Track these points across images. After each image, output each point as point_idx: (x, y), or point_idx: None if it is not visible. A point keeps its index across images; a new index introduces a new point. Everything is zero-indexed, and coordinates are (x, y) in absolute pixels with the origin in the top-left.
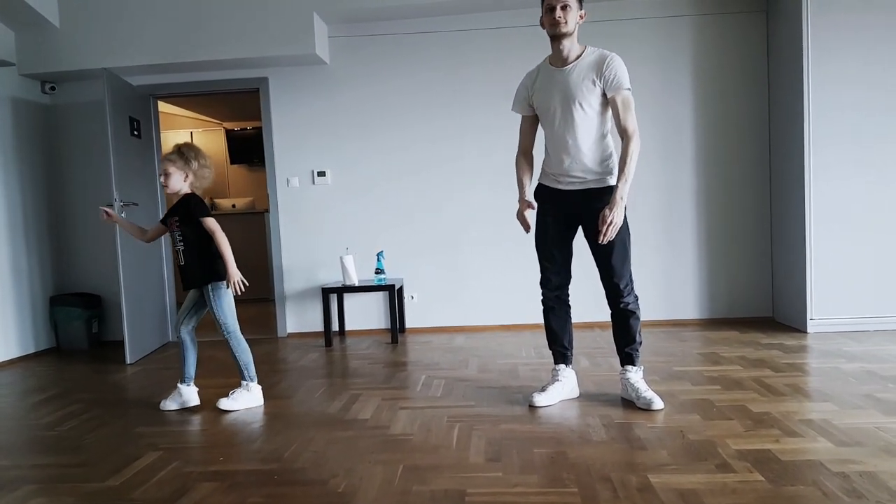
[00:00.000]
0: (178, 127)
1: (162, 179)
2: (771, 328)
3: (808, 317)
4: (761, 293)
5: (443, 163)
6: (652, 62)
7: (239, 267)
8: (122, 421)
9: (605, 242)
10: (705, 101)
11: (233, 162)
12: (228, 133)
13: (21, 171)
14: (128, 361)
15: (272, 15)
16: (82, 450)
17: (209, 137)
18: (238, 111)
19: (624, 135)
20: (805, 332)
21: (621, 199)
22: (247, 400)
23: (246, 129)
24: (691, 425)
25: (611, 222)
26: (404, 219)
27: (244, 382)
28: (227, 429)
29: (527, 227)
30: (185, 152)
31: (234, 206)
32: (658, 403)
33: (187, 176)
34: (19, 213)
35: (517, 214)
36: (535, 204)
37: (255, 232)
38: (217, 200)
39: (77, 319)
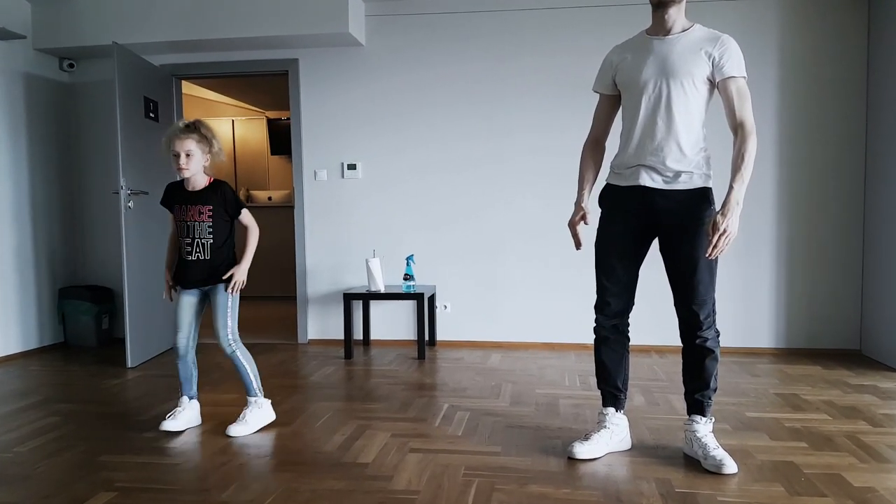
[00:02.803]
0: (220, 114)
1: (182, 161)
2: (859, 364)
3: None
4: (848, 322)
5: (488, 161)
6: None
7: (269, 262)
8: (90, 444)
9: (713, 257)
10: (791, 96)
11: (273, 153)
12: (270, 122)
13: (32, 152)
14: (129, 365)
15: None
16: (29, 481)
17: (250, 126)
18: (281, 99)
19: (740, 129)
20: None
21: (737, 203)
22: (259, 417)
23: (290, 118)
24: (774, 502)
25: (724, 231)
26: (440, 220)
27: (253, 399)
28: (200, 466)
29: (578, 243)
30: (204, 131)
31: (269, 198)
32: (730, 466)
33: (207, 159)
34: (27, 197)
35: (569, 223)
36: (588, 217)
37: (288, 226)
38: (253, 192)
39: (85, 314)
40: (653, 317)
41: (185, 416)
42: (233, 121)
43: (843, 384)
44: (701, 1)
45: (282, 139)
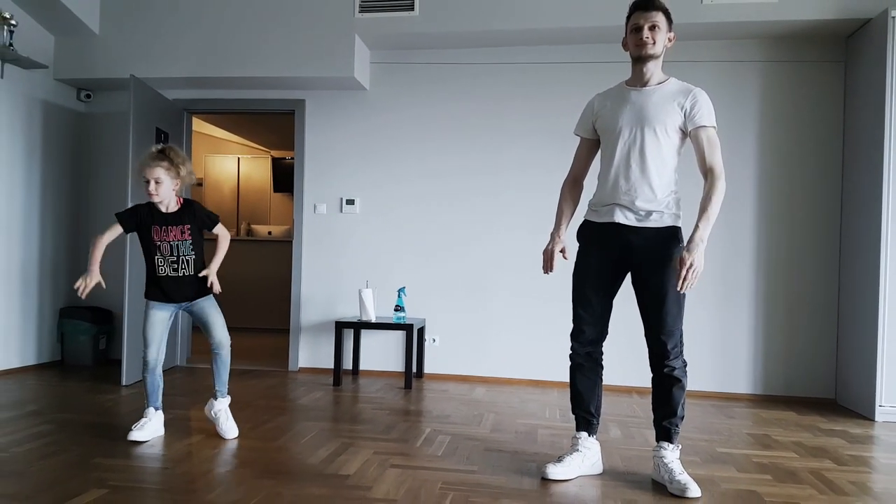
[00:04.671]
0: (227, 152)
1: (152, 188)
2: (833, 412)
3: (877, 403)
4: (823, 372)
5: (480, 200)
6: (714, 110)
7: (263, 295)
8: (84, 448)
9: (684, 290)
10: (771, 155)
11: (276, 190)
12: (275, 161)
13: (45, 176)
14: (124, 383)
15: (312, 35)
16: (25, 477)
17: (255, 164)
18: (286, 139)
19: (709, 174)
20: (872, 419)
21: (702, 241)
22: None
23: (293, 157)
24: None
25: (691, 266)
26: (433, 256)
27: (225, 399)
28: (189, 472)
29: (548, 268)
30: (173, 158)
31: (269, 233)
32: (694, 490)
33: (177, 184)
34: (37, 218)
35: (544, 250)
36: (566, 248)
37: (286, 260)
38: (254, 226)
39: (84, 334)
40: (636, 360)
41: (152, 427)
42: (238, 158)
43: (815, 428)
44: (688, 61)
45: (285, 177)
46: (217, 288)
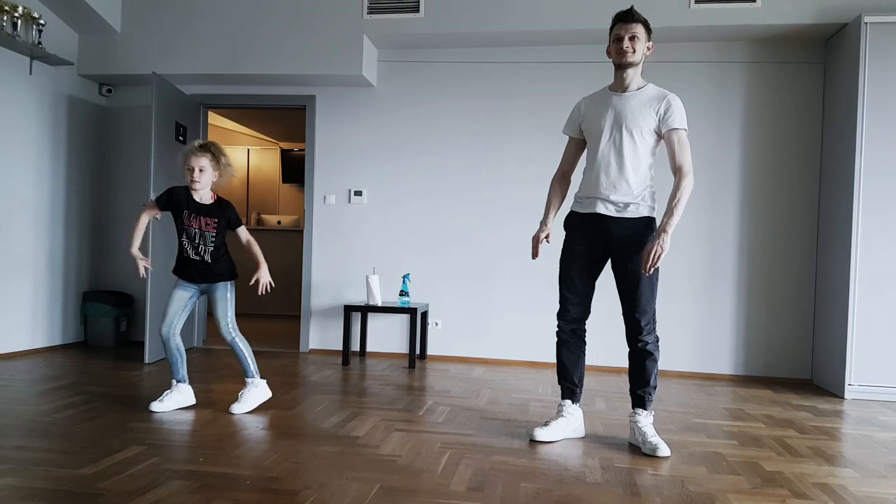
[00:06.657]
0: (237, 143)
1: (196, 175)
2: (807, 391)
3: (847, 382)
4: (800, 354)
5: (481, 192)
6: (701, 108)
7: (275, 282)
8: (118, 414)
9: (649, 273)
10: (754, 151)
11: (285, 181)
12: (284, 153)
13: (70, 167)
14: (146, 361)
15: (323, 35)
16: (69, 437)
17: (265, 155)
18: (295, 132)
19: (678, 172)
20: (842, 397)
21: (668, 230)
22: (256, 396)
23: (302, 149)
24: (695, 476)
25: (654, 251)
26: (436, 244)
27: (250, 380)
28: (217, 433)
29: (535, 252)
30: (214, 151)
31: (279, 222)
32: (664, 450)
33: (217, 175)
34: (62, 206)
35: (533, 237)
36: (550, 234)
37: (295, 249)
38: (264, 216)
39: (106, 317)
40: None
41: (174, 399)
42: (248, 150)
43: (787, 404)
44: (676, 62)
45: (293, 168)
46: (264, 287)
